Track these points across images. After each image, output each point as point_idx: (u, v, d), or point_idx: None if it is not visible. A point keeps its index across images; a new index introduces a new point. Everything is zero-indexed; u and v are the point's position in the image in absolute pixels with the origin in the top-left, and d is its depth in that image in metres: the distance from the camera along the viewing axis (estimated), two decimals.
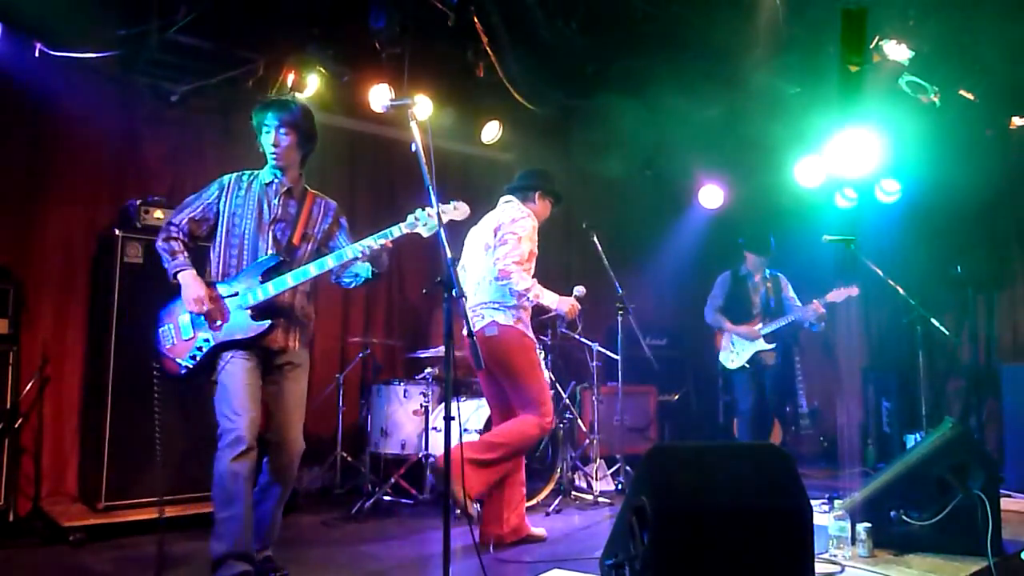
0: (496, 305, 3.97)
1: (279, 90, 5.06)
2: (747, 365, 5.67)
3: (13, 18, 4.28)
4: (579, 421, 5.75)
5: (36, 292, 4.53)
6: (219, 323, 3.07)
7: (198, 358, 3.07)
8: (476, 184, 6.30)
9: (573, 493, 5.28)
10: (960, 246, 6.46)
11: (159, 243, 3.17)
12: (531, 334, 4.05)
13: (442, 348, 4.13)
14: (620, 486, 5.55)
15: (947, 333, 5.58)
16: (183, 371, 3.09)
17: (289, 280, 3.09)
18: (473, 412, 4.94)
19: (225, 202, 3.22)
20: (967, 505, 3.57)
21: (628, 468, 5.49)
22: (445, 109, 5.59)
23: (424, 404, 4.96)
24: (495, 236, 4.01)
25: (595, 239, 5.08)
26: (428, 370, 5.12)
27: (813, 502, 2.71)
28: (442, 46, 5.11)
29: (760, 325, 5.66)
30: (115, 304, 4.20)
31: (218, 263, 3.20)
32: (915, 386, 6.24)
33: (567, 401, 5.51)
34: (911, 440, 6.19)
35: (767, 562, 2.58)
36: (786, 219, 6.73)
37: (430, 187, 2.94)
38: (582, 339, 5.57)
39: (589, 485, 5.39)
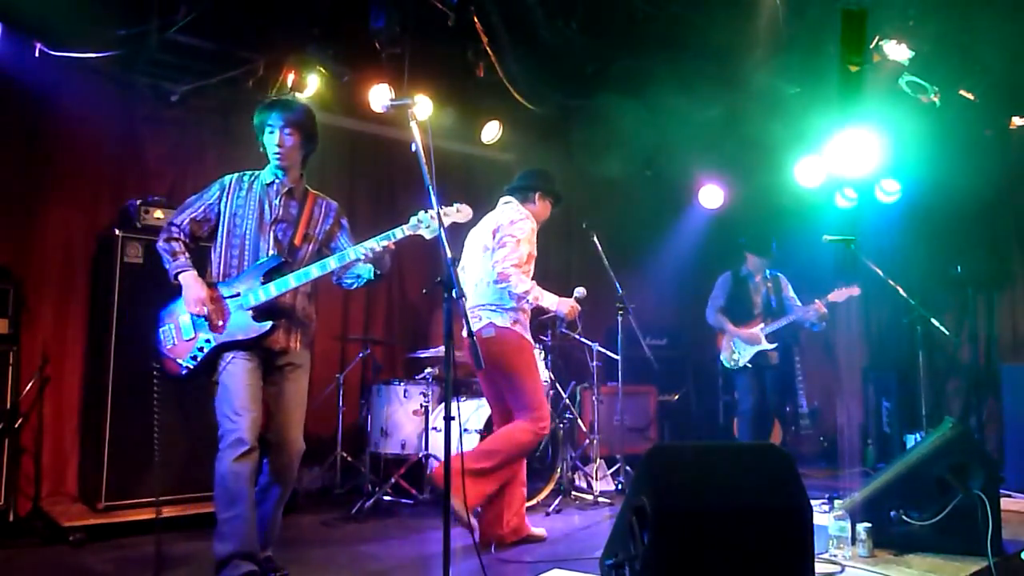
0: (493, 307, 3.96)
1: (279, 90, 5.06)
2: (749, 365, 5.66)
3: (13, 18, 4.27)
4: (579, 421, 5.75)
5: (36, 292, 4.53)
6: (220, 324, 3.07)
7: (199, 359, 3.07)
8: (476, 184, 6.30)
9: (573, 493, 5.28)
10: (960, 246, 6.46)
11: (160, 244, 3.17)
12: (529, 336, 4.04)
13: (442, 348, 4.13)
14: (620, 486, 5.55)
15: (947, 333, 5.58)
16: (184, 371, 3.09)
17: (291, 281, 3.09)
18: (473, 412, 4.94)
19: (226, 203, 3.21)
20: (967, 505, 3.57)
21: (628, 468, 5.49)
22: (445, 109, 5.59)
23: (424, 404, 4.96)
24: (494, 238, 4.00)
25: (595, 239, 5.08)
26: (428, 370, 5.12)
27: (813, 502, 2.72)
28: (442, 46, 5.11)
29: (762, 325, 5.66)
30: (115, 304, 4.20)
31: (219, 264, 3.19)
32: (915, 386, 6.25)
33: (567, 401, 5.51)
34: (911, 440, 6.19)
35: (767, 562, 2.58)
36: (786, 219, 6.73)
37: (430, 187, 2.94)
38: (582, 339, 5.57)
39: (589, 485, 5.39)
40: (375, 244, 3.10)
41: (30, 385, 4.38)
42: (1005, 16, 4.62)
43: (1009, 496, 4.97)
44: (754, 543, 2.57)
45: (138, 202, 4.39)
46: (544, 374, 5.12)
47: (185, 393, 4.02)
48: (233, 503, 2.94)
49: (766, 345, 5.63)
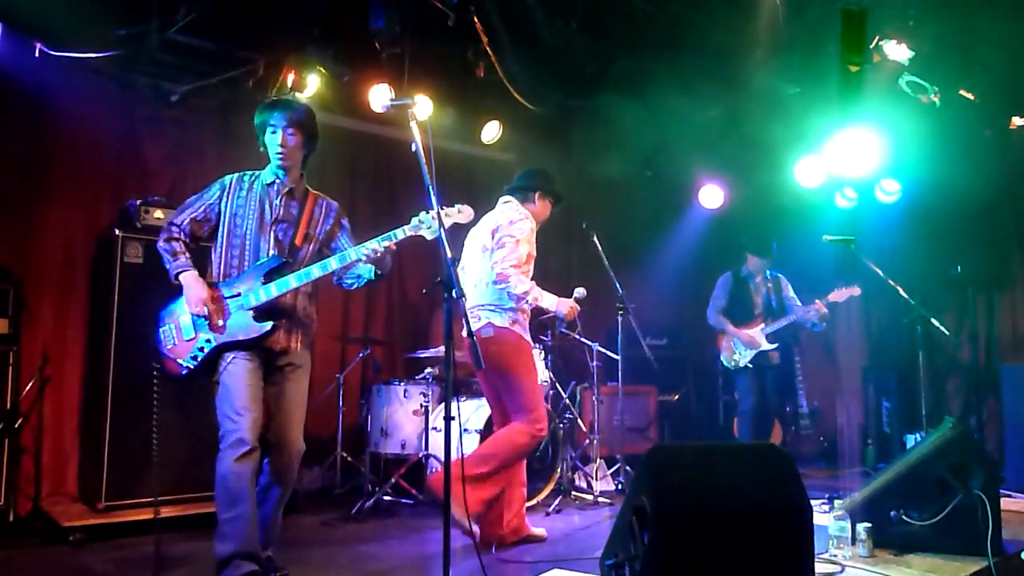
0: (492, 307, 3.96)
1: (279, 90, 5.06)
2: (750, 365, 5.66)
3: (13, 18, 4.27)
4: (579, 421, 5.75)
5: (36, 292, 4.53)
6: (221, 324, 3.07)
7: (200, 359, 3.07)
8: (476, 184, 6.30)
9: (573, 493, 5.28)
10: (960, 246, 6.46)
11: (160, 244, 3.17)
12: (528, 336, 4.04)
13: (442, 348, 4.13)
14: (620, 486, 5.55)
15: (947, 333, 5.58)
16: (184, 371, 3.09)
17: (292, 281, 3.09)
18: (473, 412, 4.94)
19: (226, 203, 3.21)
20: (967, 505, 3.57)
21: (628, 468, 5.49)
22: (445, 109, 5.59)
23: (424, 404, 4.96)
24: (493, 238, 3.99)
25: (595, 239, 5.08)
26: (428, 370, 5.12)
27: (813, 502, 2.72)
28: (442, 46, 5.11)
29: (762, 326, 5.66)
30: (115, 304, 4.20)
31: (220, 264, 3.19)
32: (915, 386, 6.24)
33: (567, 401, 5.51)
34: (911, 440, 6.19)
35: (767, 562, 2.58)
36: (786, 219, 6.73)
37: (430, 187, 2.94)
38: (582, 339, 5.57)
39: (589, 485, 5.39)
40: (376, 244, 3.10)
41: (30, 385, 4.38)
42: (1005, 16, 4.63)
43: (1009, 496, 4.97)
44: (754, 543, 2.57)
45: (138, 202, 4.39)
46: (544, 374, 5.12)
47: (185, 393, 4.02)
48: (234, 503, 2.94)
49: (767, 346, 5.63)
